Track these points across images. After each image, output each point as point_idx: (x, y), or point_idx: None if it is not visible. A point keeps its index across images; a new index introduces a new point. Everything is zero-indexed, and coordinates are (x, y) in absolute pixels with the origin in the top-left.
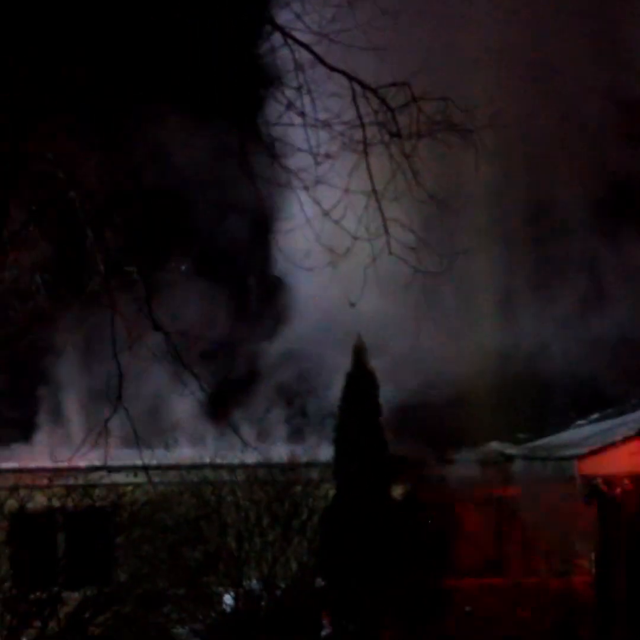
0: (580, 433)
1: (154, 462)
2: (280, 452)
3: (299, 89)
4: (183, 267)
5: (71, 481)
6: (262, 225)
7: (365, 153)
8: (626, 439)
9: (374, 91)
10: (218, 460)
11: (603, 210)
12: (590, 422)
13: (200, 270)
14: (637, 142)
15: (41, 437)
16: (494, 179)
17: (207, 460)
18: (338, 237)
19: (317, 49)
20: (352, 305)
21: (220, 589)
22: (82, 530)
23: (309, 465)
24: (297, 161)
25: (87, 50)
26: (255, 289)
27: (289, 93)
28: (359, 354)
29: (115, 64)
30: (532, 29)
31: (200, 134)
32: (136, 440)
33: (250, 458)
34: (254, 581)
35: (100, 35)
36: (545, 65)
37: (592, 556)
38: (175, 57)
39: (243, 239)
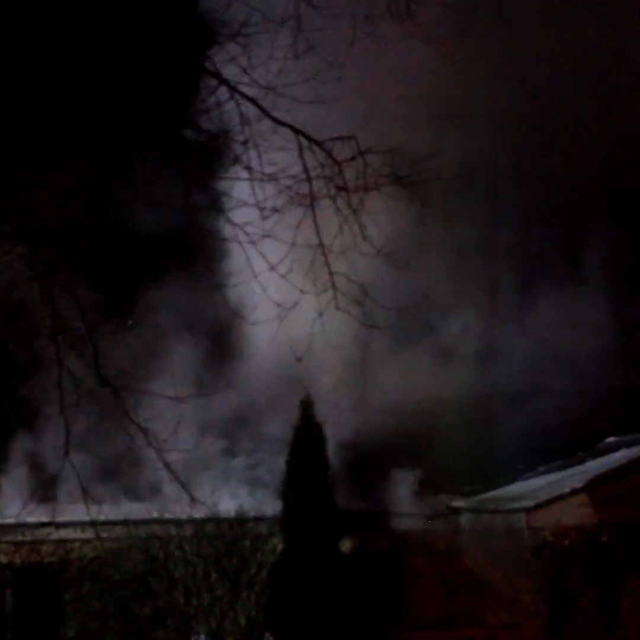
0: (528, 485)
1: (102, 517)
2: (228, 506)
3: (245, 143)
4: (130, 322)
5: (19, 537)
6: (208, 279)
7: (312, 207)
8: (573, 492)
9: (320, 145)
10: (166, 515)
11: (545, 266)
12: (538, 474)
13: (148, 324)
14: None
15: None
16: (440, 231)
17: (155, 515)
18: (285, 291)
19: (264, 102)
20: (299, 359)
21: None
22: (30, 586)
23: (257, 519)
24: (244, 215)
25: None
26: (203, 343)
27: (236, 147)
28: (307, 407)
29: (58, 118)
30: (478, 80)
31: (146, 190)
32: (84, 496)
33: (198, 513)
34: (203, 636)
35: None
36: (491, 115)
37: (542, 608)
38: (121, 110)
39: (189, 292)
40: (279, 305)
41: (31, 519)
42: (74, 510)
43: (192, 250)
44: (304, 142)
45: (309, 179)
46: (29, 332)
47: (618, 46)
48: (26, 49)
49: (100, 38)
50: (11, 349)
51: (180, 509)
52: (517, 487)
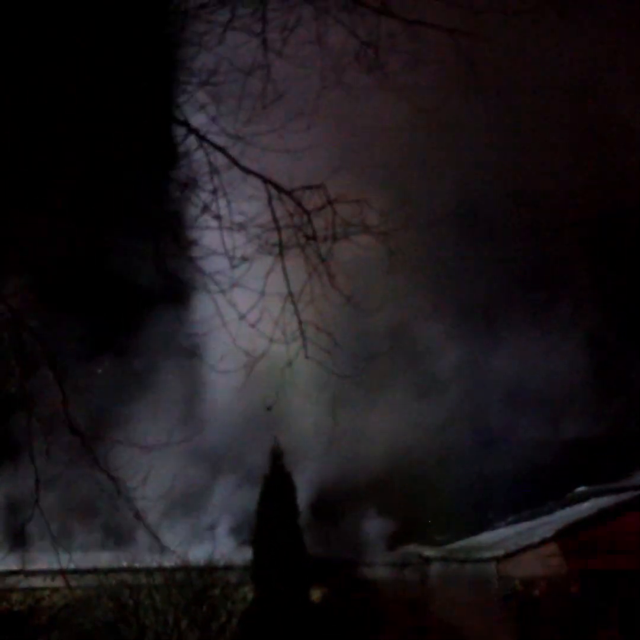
0: (497, 535)
1: (72, 565)
2: (198, 555)
3: (214, 192)
4: (100, 370)
5: None
6: (177, 327)
7: (281, 256)
8: (543, 541)
9: (289, 194)
10: (136, 564)
11: (515, 311)
12: (508, 523)
13: (117, 371)
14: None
15: None
16: (408, 279)
17: (125, 563)
18: (254, 340)
19: (232, 151)
20: (269, 408)
21: None
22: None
23: (227, 568)
24: (213, 264)
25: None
26: (172, 391)
27: (205, 196)
28: (276, 456)
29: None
30: (447, 129)
31: (116, 238)
32: (53, 544)
33: (168, 561)
34: None
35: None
36: (461, 164)
37: None
38: (88, 158)
39: (158, 340)
40: (248, 354)
41: (0, 567)
42: (43, 559)
43: (162, 298)
44: (273, 191)
45: (278, 228)
46: None
47: (594, 89)
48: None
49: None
50: None
51: (150, 558)
52: (486, 537)
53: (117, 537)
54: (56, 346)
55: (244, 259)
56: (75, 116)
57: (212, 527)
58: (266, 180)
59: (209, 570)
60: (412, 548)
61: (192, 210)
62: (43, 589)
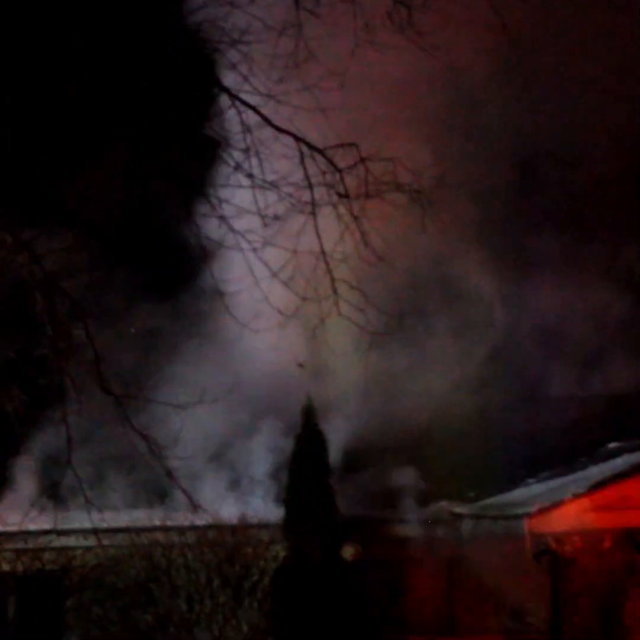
0: (530, 491)
1: (104, 525)
2: (230, 513)
3: (246, 150)
4: (132, 329)
5: (21, 545)
6: (210, 286)
7: (314, 214)
8: (576, 497)
9: (322, 152)
10: (168, 522)
11: (548, 265)
12: (540, 480)
13: (150, 331)
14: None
15: None
16: (442, 238)
17: (157, 522)
18: (287, 298)
19: (265, 110)
20: (301, 366)
21: None
22: (32, 593)
23: (259, 526)
24: (245, 222)
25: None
26: (205, 350)
27: (237, 154)
28: (308, 414)
29: (55, 127)
30: (479, 89)
31: (147, 197)
32: (86, 503)
33: (200, 520)
34: None
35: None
36: (492, 125)
37: (544, 614)
38: (120, 118)
39: (190, 299)
40: (280, 312)
41: (33, 527)
42: (76, 518)
43: (194, 257)
44: (305, 149)
45: (310, 187)
46: (30, 338)
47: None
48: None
49: (99, 42)
50: (12, 356)
51: (182, 516)
52: (518, 493)
53: (149, 495)
54: (88, 306)
55: (276, 217)
56: (104, 71)
57: (244, 485)
58: (298, 139)
59: (241, 528)
60: (443, 505)
61: (225, 169)
62: (75, 548)
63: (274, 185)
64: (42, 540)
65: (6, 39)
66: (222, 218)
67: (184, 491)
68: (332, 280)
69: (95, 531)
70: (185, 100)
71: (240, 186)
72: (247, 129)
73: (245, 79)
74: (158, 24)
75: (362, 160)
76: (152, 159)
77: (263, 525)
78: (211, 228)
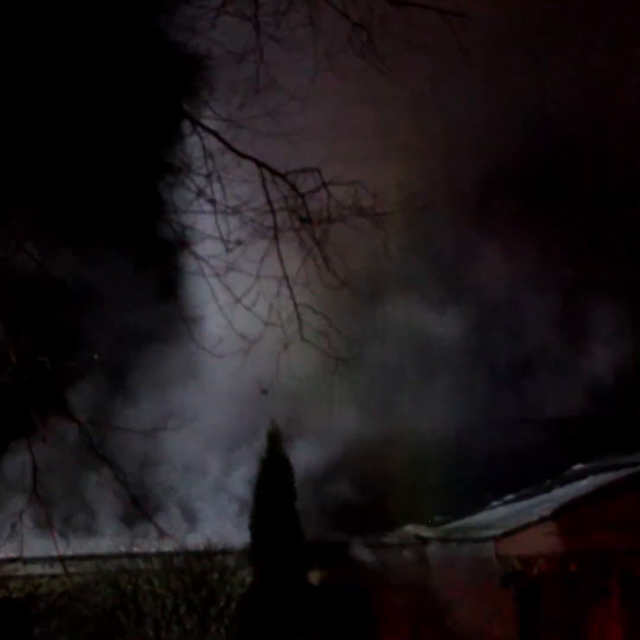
0: (495, 514)
1: (70, 552)
2: (196, 539)
3: (208, 176)
4: (96, 356)
5: None
6: (173, 312)
7: (276, 239)
8: (542, 520)
9: (284, 177)
10: (134, 549)
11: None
12: (505, 503)
13: (112, 359)
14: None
15: None
16: (404, 261)
17: (123, 549)
18: (250, 323)
19: (227, 135)
20: (265, 391)
21: None
22: None
23: (225, 552)
24: (208, 248)
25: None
26: (168, 376)
27: (199, 180)
28: (273, 439)
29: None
30: (439, 112)
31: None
32: (51, 531)
33: (166, 546)
34: None
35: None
36: (453, 146)
37: (512, 637)
38: (81, 146)
39: (154, 325)
40: (244, 337)
41: None
42: (41, 546)
43: (158, 283)
44: (267, 174)
45: (272, 211)
46: None
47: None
48: None
49: (62, 67)
50: None
51: (148, 543)
52: (484, 516)
53: (115, 523)
54: (53, 334)
55: (239, 242)
56: (70, 105)
57: (210, 511)
58: (260, 164)
59: (207, 554)
60: (409, 529)
61: (187, 195)
62: (41, 576)
63: (236, 210)
64: (8, 568)
65: None
66: (184, 244)
67: (150, 518)
68: (295, 305)
69: (61, 559)
70: (146, 127)
71: (202, 212)
72: (208, 154)
73: (207, 104)
74: (120, 49)
75: (324, 184)
76: (115, 183)
77: (229, 551)
78: (174, 254)
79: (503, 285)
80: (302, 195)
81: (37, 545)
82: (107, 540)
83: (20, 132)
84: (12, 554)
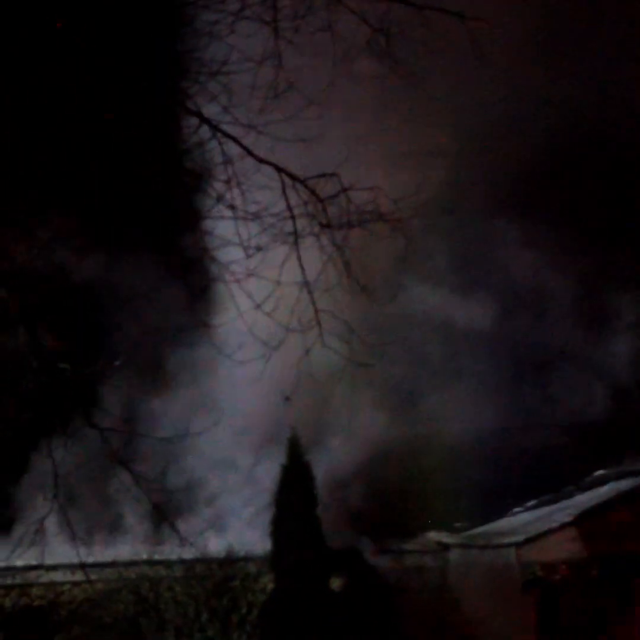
0: (517, 520)
1: (91, 559)
2: (217, 546)
3: (228, 181)
4: (117, 363)
5: (8, 580)
6: (194, 318)
7: (296, 244)
8: (563, 526)
9: (303, 182)
10: (156, 556)
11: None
12: (527, 509)
13: (134, 364)
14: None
15: None
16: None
17: (145, 556)
18: (271, 329)
19: (246, 141)
20: (288, 399)
21: None
22: (20, 629)
23: (247, 558)
24: (228, 254)
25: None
26: (190, 382)
27: (219, 186)
28: (294, 446)
29: (39, 161)
30: (458, 115)
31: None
32: (73, 538)
33: (188, 553)
34: None
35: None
36: (473, 150)
37: None
38: (102, 150)
39: (175, 332)
40: (264, 343)
41: (20, 562)
42: (63, 553)
43: (178, 289)
44: (287, 180)
45: (292, 217)
46: (15, 374)
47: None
48: None
49: (77, 75)
50: None
51: (170, 550)
52: (506, 522)
53: (137, 529)
54: (73, 339)
55: (259, 248)
56: (85, 112)
57: (231, 518)
58: (280, 169)
59: (228, 561)
60: (431, 535)
61: (207, 201)
62: (63, 583)
63: (256, 216)
64: (29, 576)
65: None
66: (205, 250)
67: (171, 525)
68: (316, 310)
69: (82, 566)
70: (165, 132)
71: (222, 218)
72: (228, 160)
73: (226, 109)
74: (137, 55)
75: (344, 189)
76: (135, 192)
77: (250, 558)
78: (195, 260)
79: (524, 285)
80: (322, 201)
81: (59, 552)
82: (129, 547)
83: (41, 134)
84: (34, 562)
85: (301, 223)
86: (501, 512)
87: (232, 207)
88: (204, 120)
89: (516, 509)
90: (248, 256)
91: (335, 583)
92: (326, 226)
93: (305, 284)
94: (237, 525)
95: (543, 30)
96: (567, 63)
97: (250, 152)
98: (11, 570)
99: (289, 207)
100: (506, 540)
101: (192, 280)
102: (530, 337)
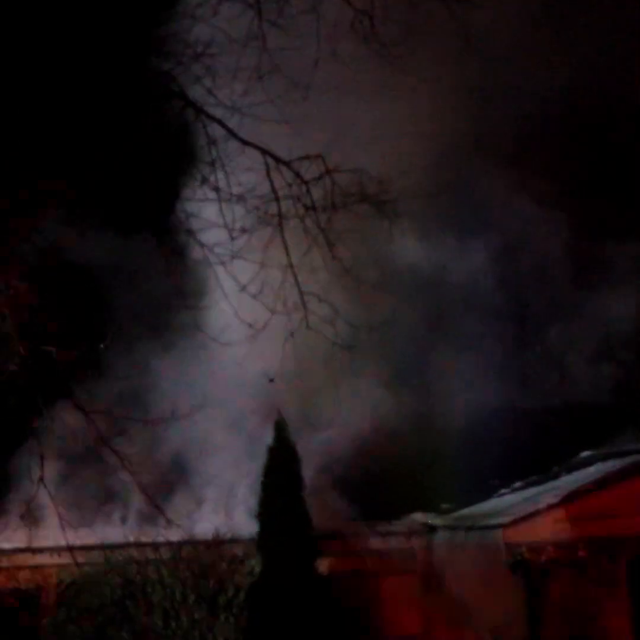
0: (503, 502)
1: (78, 542)
2: (204, 528)
3: (212, 163)
4: (102, 346)
5: None
6: (178, 300)
7: (281, 227)
8: (550, 507)
9: (288, 164)
10: (142, 539)
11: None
12: (514, 490)
13: (120, 348)
14: None
15: None
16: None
17: (131, 539)
18: (256, 311)
19: (230, 123)
20: (271, 380)
21: None
22: (7, 612)
23: (233, 541)
24: (213, 236)
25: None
26: (174, 365)
27: (203, 168)
28: (280, 428)
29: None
30: (443, 97)
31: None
32: (60, 521)
33: (175, 536)
34: None
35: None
36: (458, 132)
37: (520, 624)
38: (85, 138)
39: (160, 314)
40: (249, 325)
41: (7, 545)
42: (50, 536)
43: (162, 272)
44: (271, 162)
45: (277, 199)
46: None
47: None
48: None
49: (61, 62)
50: None
51: (156, 533)
52: (492, 504)
53: (123, 512)
54: (58, 324)
55: (244, 230)
56: (69, 94)
57: (217, 500)
58: (264, 151)
59: (215, 543)
60: (417, 516)
61: (191, 183)
62: (50, 566)
63: (240, 198)
64: (17, 559)
65: None
66: (189, 232)
67: (157, 507)
68: (301, 292)
69: (70, 549)
70: (150, 115)
71: (207, 200)
72: (212, 142)
73: (210, 91)
74: (121, 39)
75: (328, 171)
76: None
77: (237, 540)
78: (179, 242)
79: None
80: (306, 183)
81: (46, 535)
82: (116, 529)
83: (21, 118)
84: (21, 545)
85: (286, 205)
86: (487, 493)
87: (216, 189)
88: (188, 102)
89: (502, 490)
90: (232, 238)
91: (322, 565)
92: (311, 208)
93: (290, 266)
94: (223, 507)
95: (530, 11)
96: (557, 44)
97: (234, 134)
98: None
99: (274, 189)
100: (492, 521)
101: (176, 262)
102: (519, 312)
